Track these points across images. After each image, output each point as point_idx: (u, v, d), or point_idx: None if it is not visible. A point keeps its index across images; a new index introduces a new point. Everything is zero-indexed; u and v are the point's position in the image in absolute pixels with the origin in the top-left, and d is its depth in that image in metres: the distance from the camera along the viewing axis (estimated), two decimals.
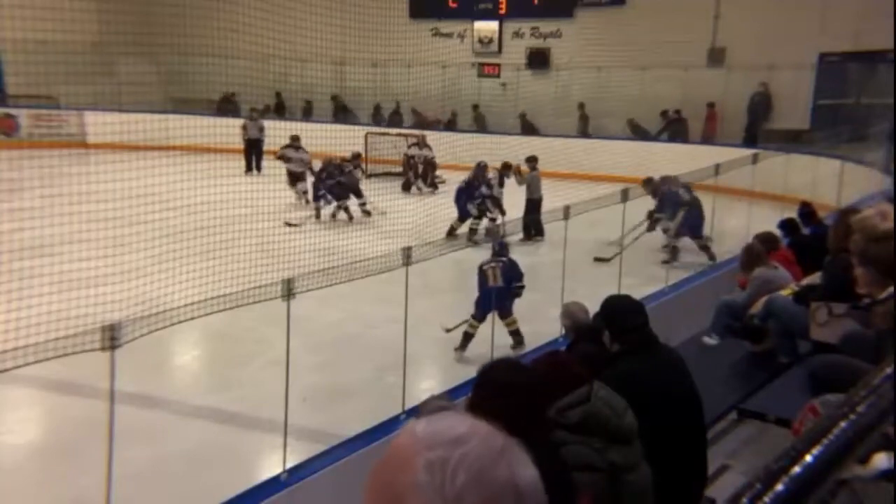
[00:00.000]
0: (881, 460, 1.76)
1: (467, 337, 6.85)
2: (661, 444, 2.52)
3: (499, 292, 6.87)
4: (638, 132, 17.74)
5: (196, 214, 8.88)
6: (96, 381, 3.65)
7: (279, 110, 20.65)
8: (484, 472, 0.81)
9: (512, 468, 0.82)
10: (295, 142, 13.84)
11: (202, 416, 5.67)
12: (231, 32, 13.26)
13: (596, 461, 2.25)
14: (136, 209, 9.58)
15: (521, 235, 10.72)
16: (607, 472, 2.25)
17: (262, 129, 16.73)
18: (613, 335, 3.16)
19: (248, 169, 16.68)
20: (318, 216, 12.19)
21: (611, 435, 2.31)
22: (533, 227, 10.88)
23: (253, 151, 16.88)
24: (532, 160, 11.67)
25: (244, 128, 16.90)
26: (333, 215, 12.29)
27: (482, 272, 6.98)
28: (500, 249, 7.20)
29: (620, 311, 3.20)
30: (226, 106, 19.97)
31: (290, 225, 11.20)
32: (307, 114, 20.44)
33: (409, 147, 15.86)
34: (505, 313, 6.96)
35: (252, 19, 13.18)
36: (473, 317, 6.90)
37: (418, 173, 15.51)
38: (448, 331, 6.94)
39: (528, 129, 18.41)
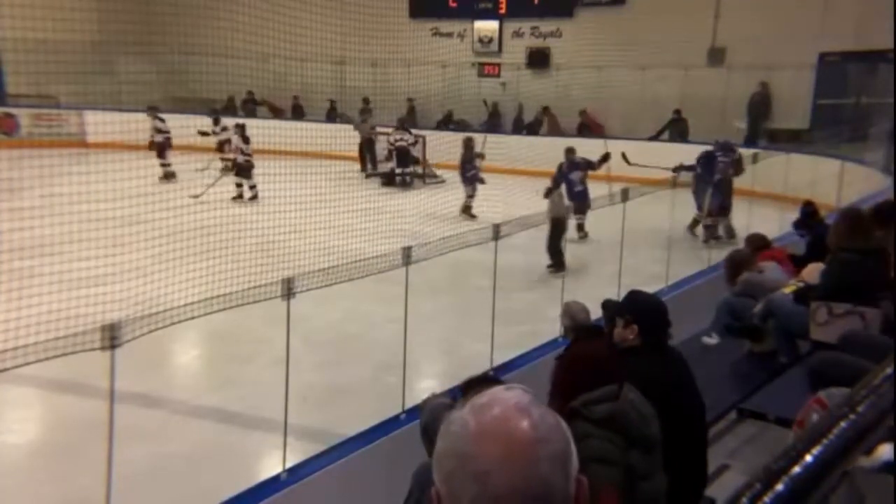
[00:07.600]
0: (886, 451, 1.76)
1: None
2: (662, 444, 2.52)
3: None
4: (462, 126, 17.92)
5: (196, 214, 8.87)
6: (96, 381, 3.64)
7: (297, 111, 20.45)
8: None
9: None
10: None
11: (202, 416, 5.66)
12: (231, 32, 13.29)
13: (615, 456, 2.24)
14: (136, 209, 9.58)
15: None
16: (624, 470, 2.24)
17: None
18: (642, 330, 3.13)
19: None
20: None
21: (633, 439, 2.31)
22: (550, 254, 9.18)
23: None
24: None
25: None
26: None
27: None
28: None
29: (656, 311, 3.16)
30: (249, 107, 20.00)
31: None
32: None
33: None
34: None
35: (252, 19, 13.19)
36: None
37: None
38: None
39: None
